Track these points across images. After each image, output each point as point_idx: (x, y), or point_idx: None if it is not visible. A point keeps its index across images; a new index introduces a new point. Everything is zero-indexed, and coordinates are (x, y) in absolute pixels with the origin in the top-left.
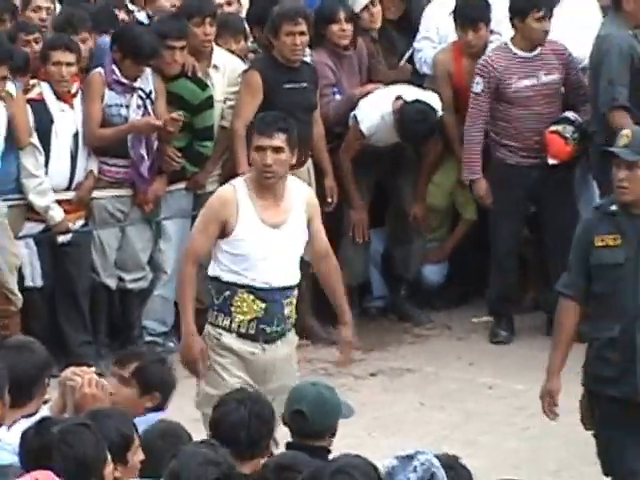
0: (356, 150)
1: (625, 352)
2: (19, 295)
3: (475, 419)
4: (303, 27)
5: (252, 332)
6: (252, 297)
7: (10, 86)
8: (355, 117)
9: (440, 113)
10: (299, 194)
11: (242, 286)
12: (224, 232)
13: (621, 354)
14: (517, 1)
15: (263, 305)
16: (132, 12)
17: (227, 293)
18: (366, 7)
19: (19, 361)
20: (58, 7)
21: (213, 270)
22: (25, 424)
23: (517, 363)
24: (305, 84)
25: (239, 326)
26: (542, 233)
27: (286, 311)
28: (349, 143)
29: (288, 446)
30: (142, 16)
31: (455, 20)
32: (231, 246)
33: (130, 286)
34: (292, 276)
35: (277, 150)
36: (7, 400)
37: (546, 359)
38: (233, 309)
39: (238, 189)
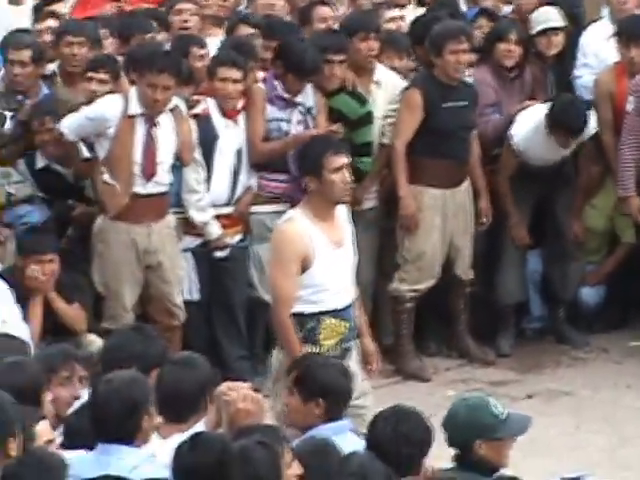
0: (513, 170)
1: None
2: (182, 309)
3: (631, 444)
4: (466, 45)
5: (338, 353)
6: (336, 320)
7: (180, 103)
8: (510, 133)
9: (595, 129)
10: (342, 207)
11: (326, 313)
12: (303, 267)
13: None
14: None
15: (346, 324)
16: None
17: (311, 324)
18: (545, 33)
19: (184, 377)
20: None
21: None
22: (178, 439)
23: None
24: (465, 103)
25: (328, 350)
26: None
27: (357, 322)
28: (505, 162)
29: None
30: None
31: (618, 39)
32: (311, 278)
33: None
34: (353, 287)
35: (347, 167)
36: (154, 413)
37: None
38: (321, 337)
39: (301, 221)
